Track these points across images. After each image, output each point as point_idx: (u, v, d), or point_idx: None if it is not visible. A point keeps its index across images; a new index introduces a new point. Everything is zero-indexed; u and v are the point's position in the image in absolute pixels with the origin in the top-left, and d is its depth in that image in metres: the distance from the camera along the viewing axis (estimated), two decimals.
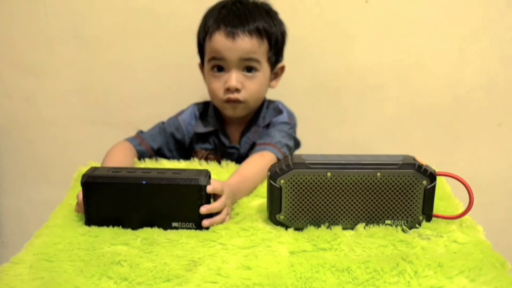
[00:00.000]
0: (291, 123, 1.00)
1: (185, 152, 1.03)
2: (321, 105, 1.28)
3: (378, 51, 1.23)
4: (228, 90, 0.93)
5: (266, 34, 0.94)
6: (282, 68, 1.03)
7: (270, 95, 1.04)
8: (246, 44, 0.91)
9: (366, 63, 1.24)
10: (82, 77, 1.28)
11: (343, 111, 1.29)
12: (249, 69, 0.94)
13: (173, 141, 1.02)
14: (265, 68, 0.96)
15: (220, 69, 0.94)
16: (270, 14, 0.97)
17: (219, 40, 0.91)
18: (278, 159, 0.89)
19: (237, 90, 0.93)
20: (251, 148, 0.98)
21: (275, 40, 0.96)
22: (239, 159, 0.96)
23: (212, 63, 0.94)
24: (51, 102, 1.31)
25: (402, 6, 1.19)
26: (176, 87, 1.27)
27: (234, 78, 0.92)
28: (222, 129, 1.02)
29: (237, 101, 0.94)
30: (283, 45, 1.01)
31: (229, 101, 0.94)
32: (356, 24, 1.21)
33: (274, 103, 1.04)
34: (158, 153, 0.99)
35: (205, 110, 1.03)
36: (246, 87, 0.94)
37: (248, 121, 1.02)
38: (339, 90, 1.26)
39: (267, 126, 1.00)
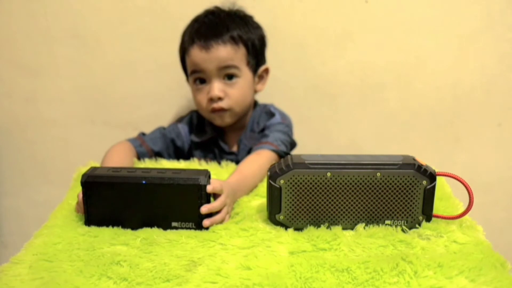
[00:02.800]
0: (285, 123, 1.00)
1: (183, 158, 1.03)
2: (321, 105, 1.28)
3: (378, 51, 1.23)
4: (211, 100, 0.94)
5: (241, 40, 0.94)
6: (266, 71, 1.03)
7: (271, 95, 1.05)
8: (221, 52, 0.92)
9: (366, 63, 1.24)
10: (82, 77, 1.28)
11: (343, 111, 1.29)
12: (230, 76, 0.95)
13: (173, 147, 1.02)
14: (245, 73, 0.96)
15: (202, 81, 0.96)
16: (244, 20, 0.98)
17: (195, 54, 0.93)
18: (278, 154, 0.90)
19: (220, 99, 0.94)
20: (249, 154, 0.98)
21: (252, 45, 0.97)
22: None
23: (193, 77, 0.96)
24: (51, 102, 1.31)
25: (402, 6, 1.19)
26: (176, 87, 1.27)
27: (216, 87, 0.94)
28: (220, 136, 1.03)
29: (222, 110, 0.95)
30: (263, 48, 1.01)
31: (214, 111, 0.96)
32: (356, 24, 1.21)
33: (266, 107, 1.04)
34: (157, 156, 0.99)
35: (203, 118, 1.04)
36: (229, 94, 0.95)
37: (243, 127, 1.02)
38: (338, 90, 1.26)
39: (262, 130, 1.00)
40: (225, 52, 0.92)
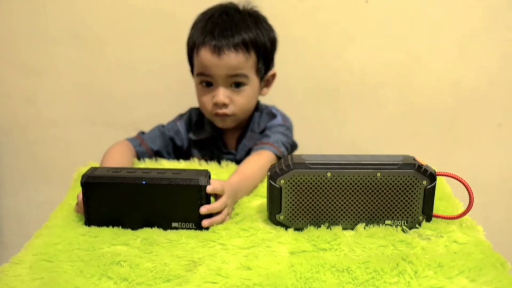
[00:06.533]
0: (286, 125, 1.00)
1: (182, 156, 1.03)
2: (321, 105, 1.28)
3: (377, 51, 1.23)
4: (216, 104, 0.94)
5: (253, 46, 0.93)
6: (273, 76, 1.02)
7: (271, 95, 1.04)
8: (232, 60, 0.90)
9: (366, 63, 1.24)
10: (82, 77, 1.28)
11: (343, 111, 1.29)
12: (237, 84, 0.94)
13: (172, 145, 1.02)
14: (253, 80, 0.95)
15: (208, 84, 0.94)
16: (257, 22, 0.96)
17: (205, 57, 0.91)
18: (277, 157, 0.90)
19: (224, 105, 0.94)
20: (248, 154, 0.98)
21: (263, 50, 0.95)
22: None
23: (200, 78, 0.95)
24: (51, 102, 1.31)
25: (402, 6, 1.19)
26: (176, 87, 1.27)
27: (222, 94, 0.93)
28: (219, 136, 1.03)
29: (225, 115, 0.95)
30: (273, 52, 1.00)
31: (217, 115, 0.95)
32: (356, 24, 1.21)
33: (267, 108, 1.04)
34: (157, 156, 0.99)
35: (202, 116, 1.03)
36: (234, 101, 0.94)
37: (243, 127, 1.02)
38: (339, 90, 1.26)
39: (263, 131, 1.00)
40: (236, 60, 0.91)
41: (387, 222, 0.66)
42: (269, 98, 1.07)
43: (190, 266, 0.58)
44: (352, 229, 0.67)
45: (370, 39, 1.22)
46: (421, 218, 0.66)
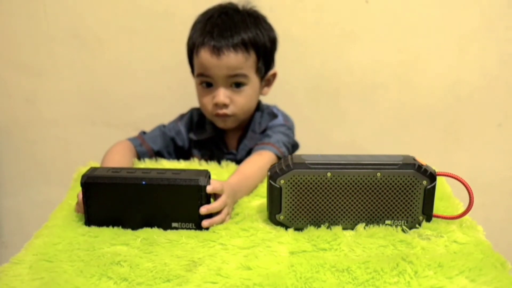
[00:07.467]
0: (287, 125, 1.00)
1: (183, 157, 1.03)
2: (321, 105, 1.28)
3: (378, 51, 1.23)
4: (216, 105, 0.94)
5: (253, 46, 0.93)
6: (274, 75, 1.02)
7: (271, 95, 1.04)
8: (232, 60, 0.90)
9: (366, 63, 1.24)
10: (82, 77, 1.28)
11: (343, 111, 1.29)
12: (237, 84, 0.94)
13: (173, 145, 1.02)
14: (253, 80, 0.95)
15: (209, 84, 0.95)
16: (257, 22, 0.96)
17: (205, 57, 0.91)
18: (278, 157, 0.90)
19: (225, 106, 0.94)
20: (248, 154, 0.98)
21: (263, 50, 0.95)
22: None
23: (200, 79, 0.95)
24: (51, 102, 1.31)
25: (402, 6, 1.19)
26: (176, 87, 1.27)
27: (222, 94, 0.93)
28: (220, 136, 1.03)
29: (226, 116, 0.95)
30: (274, 51, 1.00)
31: (218, 115, 0.95)
32: (356, 24, 1.21)
33: (269, 108, 1.04)
34: (158, 156, 0.99)
35: (203, 116, 1.03)
36: (235, 101, 0.94)
37: (244, 127, 1.02)
38: (339, 90, 1.26)
39: (264, 131, 1.00)
40: (235, 60, 0.91)
41: (387, 222, 0.66)
42: (269, 98, 1.07)
43: (190, 266, 0.58)
44: (352, 229, 0.67)
45: (370, 39, 1.22)
46: (421, 218, 0.66)
